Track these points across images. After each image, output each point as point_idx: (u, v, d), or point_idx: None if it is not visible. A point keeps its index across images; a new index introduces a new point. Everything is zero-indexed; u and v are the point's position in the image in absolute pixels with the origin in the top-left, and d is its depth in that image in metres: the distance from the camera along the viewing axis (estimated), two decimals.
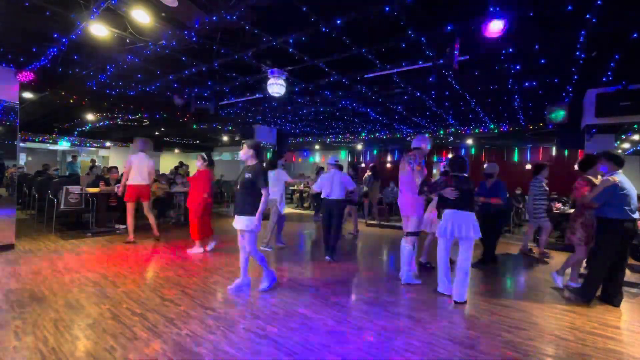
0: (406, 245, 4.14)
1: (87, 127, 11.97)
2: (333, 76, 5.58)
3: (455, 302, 3.59)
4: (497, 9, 3.23)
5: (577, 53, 4.21)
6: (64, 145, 15.34)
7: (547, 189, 5.86)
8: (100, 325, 2.83)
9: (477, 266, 5.05)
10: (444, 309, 3.46)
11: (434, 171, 14.27)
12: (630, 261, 4.95)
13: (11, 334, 2.64)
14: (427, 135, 6.10)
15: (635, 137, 7.70)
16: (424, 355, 2.53)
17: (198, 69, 5.43)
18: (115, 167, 8.18)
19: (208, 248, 5.53)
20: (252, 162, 3.67)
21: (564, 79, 5.27)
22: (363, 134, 12.23)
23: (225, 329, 2.83)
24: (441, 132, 10.59)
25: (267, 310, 3.23)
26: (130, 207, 5.74)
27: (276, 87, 5.17)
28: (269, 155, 9.42)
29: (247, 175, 3.57)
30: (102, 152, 17.96)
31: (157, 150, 15.99)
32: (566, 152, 11.71)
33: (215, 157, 17.50)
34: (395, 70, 5.09)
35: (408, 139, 11.62)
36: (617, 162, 3.68)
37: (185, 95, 6.79)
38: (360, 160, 17.20)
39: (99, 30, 3.87)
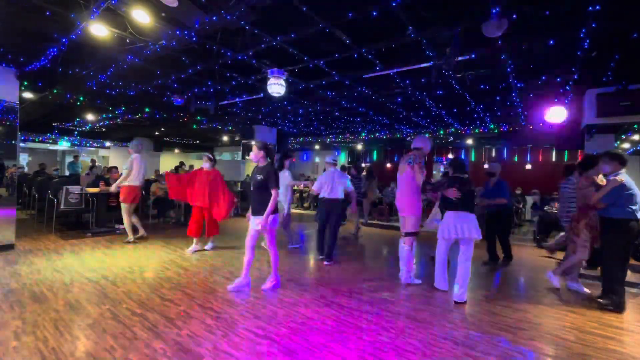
0: (404, 245, 4.14)
1: (87, 127, 11.97)
2: (333, 76, 5.59)
3: (456, 302, 3.59)
4: (497, 9, 3.23)
5: (577, 53, 4.21)
6: (64, 145, 15.35)
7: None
8: (100, 325, 2.83)
9: (489, 265, 5.27)
10: (444, 309, 3.46)
11: (434, 172, 14.28)
12: (631, 261, 4.94)
13: (11, 334, 2.64)
14: (427, 135, 6.11)
15: (635, 137, 7.70)
16: (424, 355, 2.53)
17: (198, 69, 5.43)
18: (115, 167, 8.17)
19: (207, 248, 5.55)
20: (263, 163, 3.71)
21: (564, 79, 5.27)
22: (363, 134, 12.24)
23: (225, 329, 2.83)
24: (441, 132, 10.59)
25: (267, 310, 3.23)
26: (130, 208, 5.76)
27: (276, 87, 5.17)
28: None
29: (259, 176, 3.63)
30: (102, 152, 17.98)
31: (157, 150, 16.00)
32: (566, 153, 11.72)
33: (216, 157, 17.54)
34: (394, 70, 5.10)
35: (408, 139, 11.63)
36: (622, 161, 3.66)
37: (185, 95, 6.79)
38: (361, 160, 17.20)
39: (99, 30, 3.87)
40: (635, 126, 6.06)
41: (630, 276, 4.60)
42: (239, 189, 10.89)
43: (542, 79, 5.32)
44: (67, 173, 12.64)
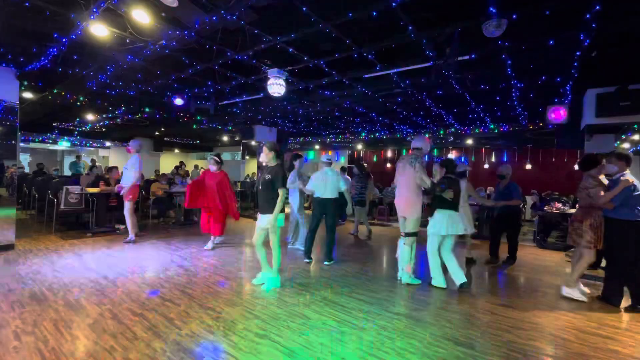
0: (404, 245, 4.14)
1: (87, 127, 11.97)
2: (333, 76, 5.58)
3: (460, 287, 3.85)
4: (497, 9, 3.23)
5: (577, 53, 4.20)
6: (64, 145, 15.35)
7: None
8: (100, 325, 2.83)
9: (490, 264, 5.35)
10: (444, 309, 3.46)
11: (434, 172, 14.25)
12: None
13: (11, 334, 2.64)
14: (427, 135, 6.11)
15: (635, 137, 7.69)
16: (424, 355, 2.53)
17: (198, 69, 5.43)
18: (116, 167, 8.16)
19: (207, 247, 5.55)
20: (272, 163, 3.79)
21: (564, 79, 5.27)
22: (363, 134, 12.23)
23: (225, 329, 2.83)
24: (441, 132, 10.59)
25: (267, 310, 3.23)
26: (132, 207, 5.80)
27: (276, 87, 5.17)
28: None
29: (268, 176, 3.71)
30: (102, 152, 17.97)
31: (157, 150, 15.99)
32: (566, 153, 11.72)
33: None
34: (394, 70, 5.10)
35: (408, 139, 11.62)
36: (628, 161, 3.64)
37: (185, 95, 6.79)
38: (361, 161, 17.20)
39: (99, 30, 3.87)
40: (635, 126, 6.04)
41: None
42: (239, 189, 10.90)
43: (542, 79, 5.32)
44: (69, 173, 12.64)
